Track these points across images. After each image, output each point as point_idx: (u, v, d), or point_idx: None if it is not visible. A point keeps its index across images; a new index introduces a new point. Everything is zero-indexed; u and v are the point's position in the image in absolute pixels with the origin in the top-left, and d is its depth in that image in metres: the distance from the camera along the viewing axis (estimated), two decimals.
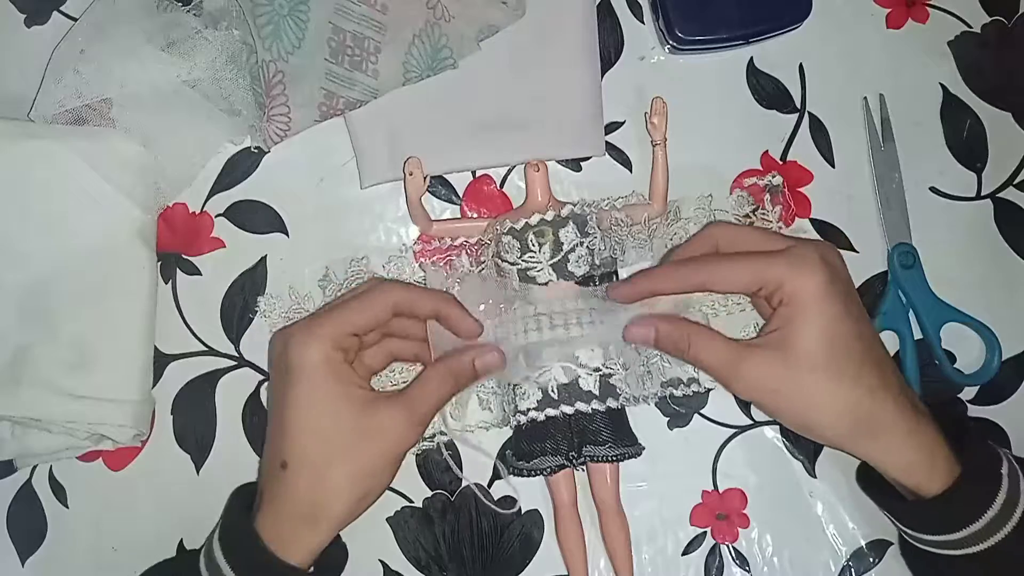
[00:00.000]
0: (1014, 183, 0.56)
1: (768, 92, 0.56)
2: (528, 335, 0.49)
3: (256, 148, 0.55)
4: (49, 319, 0.50)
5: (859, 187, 0.55)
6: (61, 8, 0.56)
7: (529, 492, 0.53)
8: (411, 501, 0.53)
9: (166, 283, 0.54)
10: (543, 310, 0.50)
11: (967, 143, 0.56)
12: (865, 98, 0.56)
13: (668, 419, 0.53)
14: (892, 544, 0.52)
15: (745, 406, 0.53)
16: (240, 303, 0.54)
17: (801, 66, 0.56)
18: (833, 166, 0.56)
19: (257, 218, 0.55)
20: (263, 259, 0.54)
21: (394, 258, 0.53)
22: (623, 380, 0.49)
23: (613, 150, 0.55)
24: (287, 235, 0.55)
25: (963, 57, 0.57)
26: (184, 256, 0.55)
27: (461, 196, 0.55)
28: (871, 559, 0.52)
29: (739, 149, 0.55)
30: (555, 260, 0.49)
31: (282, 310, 0.53)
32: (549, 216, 0.49)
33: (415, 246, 0.54)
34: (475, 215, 0.55)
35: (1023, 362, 0.54)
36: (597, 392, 0.49)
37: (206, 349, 0.54)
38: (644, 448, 0.50)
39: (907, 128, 0.56)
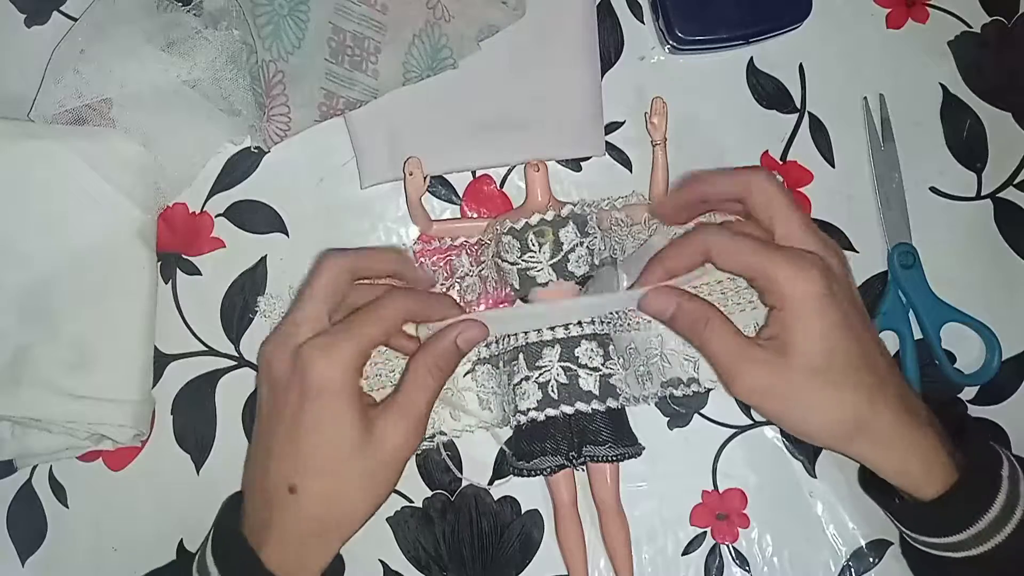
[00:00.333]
0: (1014, 183, 0.56)
1: (768, 92, 0.56)
2: (528, 335, 0.49)
3: (256, 148, 0.55)
4: (49, 319, 0.50)
5: (859, 187, 0.55)
6: (61, 8, 0.56)
7: (529, 492, 0.53)
8: (411, 501, 0.53)
9: (166, 283, 0.54)
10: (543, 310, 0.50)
11: (967, 143, 0.56)
12: (865, 98, 0.56)
13: (668, 419, 0.53)
14: (892, 544, 0.52)
15: (745, 406, 0.53)
16: (240, 303, 0.54)
17: (801, 66, 0.56)
18: (833, 166, 0.56)
19: (257, 218, 0.55)
20: (263, 259, 0.54)
21: None
22: (623, 380, 0.49)
23: (613, 150, 0.55)
24: (287, 235, 0.55)
25: (963, 57, 0.57)
26: (184, 256, 0.55)
27: (461, 196, 0.55)
28: (871, 559, 0.52)
29: (739, 149, 0.55)
30: (555, 260, 0.49)
31: (282, 310, 0.53)
32: (549, 216, 0.49)
33: (415, 246, 0.54)
34: (475, 215, 0.55)
35: (1023, 362, 0.54)
36: (597, 392, 0.49)
37: (206, 349, 0.54)
38: (644, 448, 0.50)
39: (907, 128, 0.56)
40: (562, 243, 0.49)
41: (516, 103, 0.54)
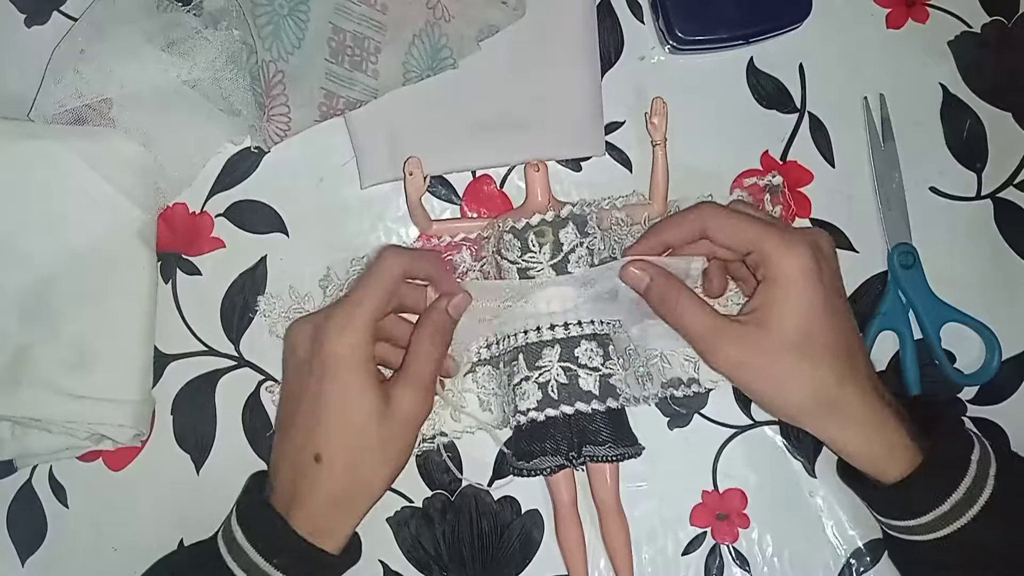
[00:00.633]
0: (1014, 183, 0.56)
1: (768, 92, 0.56)
2: (528, 335, 0.49)
3: (256, 148, 0.55)
4: (49, 319, 0.50)
5: (859, 187, 0.55)
6: (61, 8, 0.56)
7: (529, 492, 0.53)
8: (411, 501, 0.53)
9: (166, 283, 0.54)
10: (543, 310, 0.50)
11: (967, 143, 0.56)
12: (865, 98, 0.56)
13: (668, 419, 0.53)
14: None
15: (745, 406, 0.53)
16: (240, 303, 0.54)
17: (801, 66, 0.56)
18: (833, 166, 0.56)
19: (257, 218, 0.55)
20: (263, 259, 0.54)
21: None
22: (623, 380, 0.49)
23: (613, 150, 0.55)
24: (287, 235, 0.55)
25: (963, 57, 0.57)
26: (184, 256, 0.55)
27: (461, 196, 0.55)
28: (870, 559, 0.52)
29: (739, 149, 0.55)
30: (555, 260, 0.49)
31: (282, 310, 0.53)
32: (549, 216, 0.49)
33: (416, 243, 0.54)
34: (475, 215, 0.55)
35: (1023, 362, 0.54)
36: (597, 392, 0.49)
37: (206, 349, 0.54)
38: (644, 448, 0.50)
39: (907, 128, 0.56)
40: (562, 244, 0.49)
41: (516, 103, 0.54)
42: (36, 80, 0.52)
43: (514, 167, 0.55)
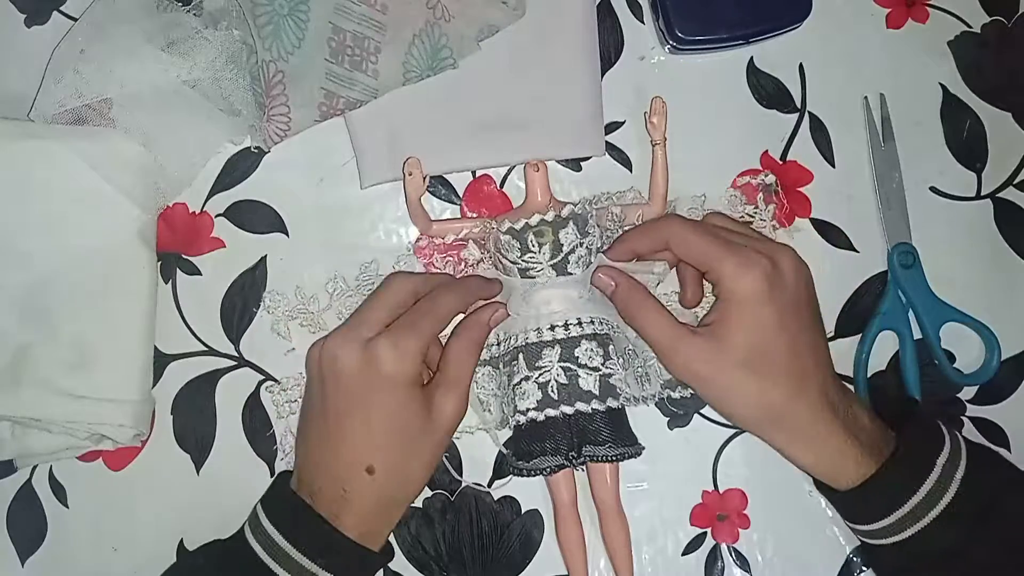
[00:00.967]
0: (1014, 183, 0.56)
1: (768, 92, 0.56)
2: (528, 335, 0.49)
3: (256, 148, 0.55)
4: (49, 319, 0.50)
5: (859, 187, 0.55)
6: (61, 8, 0.56)
7: (529, 492, 0.53)
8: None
9: (166, 283, 0.54)
10: (543, 311, 0.50)
11: (967, 143, 0.56)
12: (865, 98, 0.56)
13: (668, 419, 0.53)
14: None
15: None
16: (240, 303, 0.54)
17: (801, 66, 0.56)
18: (833, 166, 0.56)
19: (257, 218, 0.55)
20: (263, 259, 0.54)
21: (402, 257, 0.54)
22: (623, 380, 0.49)
23: (613, 150, 0.55)
24: (287, 235, 0.55)
25: (963, 57, 0.57)
26: (184, 256, 0.55)
27: (461, 196, 0.55)
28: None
29: (739, 149, 0.55)
30: (555, 260, 0.49)
31: (286, 308, 0.53)
32: (549, 216, 0.49)
33: (420, 242, 0.54)
34: (475, 215, 0.55)
35: (1023, 362, 0.54)
36: (597, 392, 0.49)
37: (206, 349, 0.54)
38: (644, 448, 0.50)
39: (907, 128, 0.56)
40: (562, 244, 0.49)
41: (516, 103, 0.54)
42: (36, 80, 0.52)
43: (514, 167, 0.55)
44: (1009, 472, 0.48)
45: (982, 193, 0.56)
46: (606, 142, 0.55)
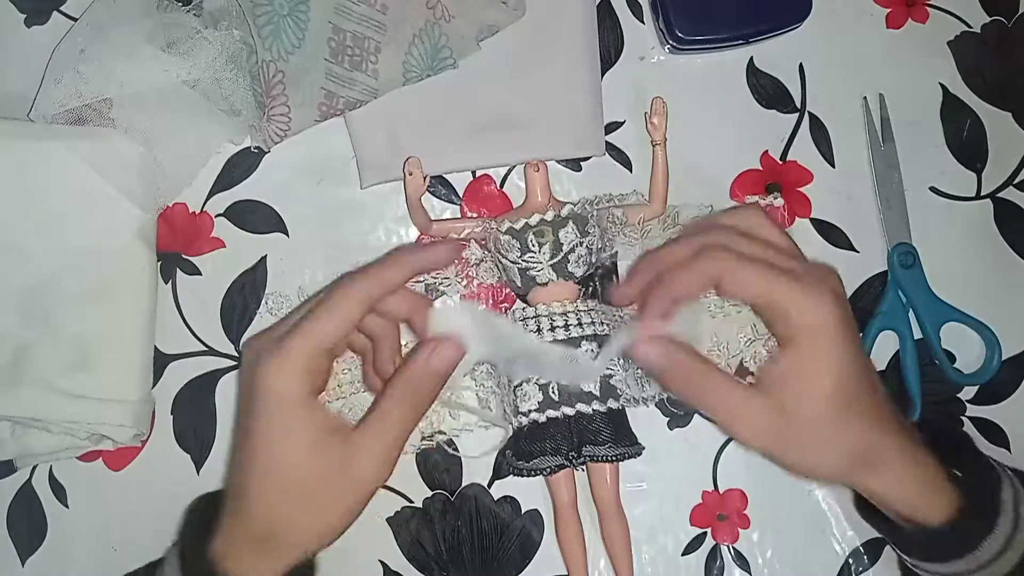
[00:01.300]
0: (1014, 183, 0.56)
1: (768, 92, 0.56)
2: (528, 336, 0.49)
3: (256, 148, 0.55)
4: (49, 319, 0.50)
5: (859, 187, 0.55)
6: (61, 8, 0.56)
7: (529, 492, 0.53)
8: (411, 501, 0.53)
9: (166, 283, 0.54)
10: (543, 311, 0.50)
11: (967, 143, 0.56)
12: (865, 98, 0.56)
13: (668, 419, 0.53)
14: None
15: None
16: (240, 303, 0.54)
17: (801, 66, 0.56)
18: (833, 166, 0.56)
19: (257, 218, 0.55)
20: (263, 259, 0.54)
21: None
22: (623, 381, 0.49)
23: (613, 150, 0.55)
24: (287, 235, 0.55)
25: (963, 57, 0.57)
26: (184, 256, 0.55)
27: (461, 196, 0.55)
28: (869, 559, 0.52)
29: (739, 149, 0.55)
30: (555, 260, 0.49)
31: (288, 308, 0.53)
32: (549, 216, 0.49)
33: (423, 241, 0.54)
34: (475, 215, 0.55)
35: (1023, 362, 0.54)
36: (598, 393, 0.49)
37: (206, 349, 0.54)
38: (644, 448, 0.50)
39: (907, 128, 0.56)
40: (562, 244, 0.49)
41: (516, 103, 0.54)
42: (36, 80, 0.52)
43: (514, 167, 0.55)
44: None
45: (982, 193, 0.56)
46: (606, 142, 0.55)
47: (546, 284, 0.50)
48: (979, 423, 0.54)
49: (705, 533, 0.53)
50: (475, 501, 0.53)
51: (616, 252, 0.53)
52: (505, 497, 0.53)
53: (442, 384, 0.42)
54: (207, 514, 0.43)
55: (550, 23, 0.54)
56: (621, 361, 0.50)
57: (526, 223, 0.50)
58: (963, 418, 0.54)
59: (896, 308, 0.54)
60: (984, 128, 0.56)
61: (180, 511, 0.52)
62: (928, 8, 0.57)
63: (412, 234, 0.54)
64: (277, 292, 0.53)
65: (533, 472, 0.49)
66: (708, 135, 0.55)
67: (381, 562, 0.52)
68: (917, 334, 0.54)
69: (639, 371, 0.51)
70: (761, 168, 0.55)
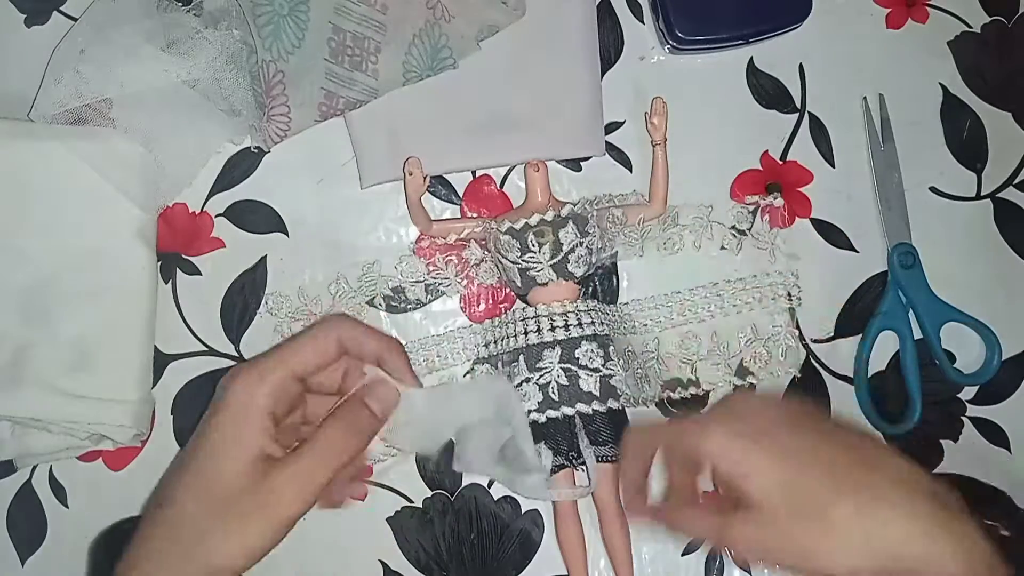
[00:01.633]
0: (1014, 183, 0.56)
1: (768, 92, 0.56)
2: (528, 336, 0.49)
3: (256, 148, 0.55)
4: (49, 319, 0.50)
5: (859, 187, 0.55)
6: (61, 8, 0.56)
7: None
8: (411, 501, 0.53)
9: (166, 283, 0.54)
10: (543, 311, 0.50)
11: (967, 143, 0.56)
12: (865, 98, 0.56)
13: (668, 420, 0.53)
14: None
15: None
16: (240, 303, 0.54)
17: (801, 66, 0.56)
18: (833, 166, 0.56)
19: (257, 218, 0.55)
20: (263, 259, 0.54)
21: (404, 257, 0.53)
22: (623, 381, 0.49)
23: (613, 150, 0.55)
24: (287, 235, 0.55)
25: (963, 57, 0.57)
26: (184, 256, 0.55)
27: (461, 196, 0.55)
28: None
29: (739, 149, 0.55)
30: (555, 260, 0.49)
31: (289, 310, 0.53)
32: (549, 216, 0.49)
33: (422, 242, 0.54)
34: (475, 215, 0.55)
35: (1023, 362, 0.54)
36: (598, 393, 0.49)
37: (206, 349, 0.54)
38: None
39: (907, 128, 0.56)
40: (562, 243, 0.49)
41: (516, 103, 0.54)
42: (36, 80, 0.52)
43: (514, 167, 0.55)
44: None
45: (982, 193, 0.56)
46: (606, 142, 0.55)
47: (546, 284, 0.50)
48: (979, 423, 0.54)
49: None
50: (475, 501, 0.53)
51: (616, 252, 0.53)
52: (505, 497, 0.53)
53: (378, 426, 0.42)
54: (114, 541, 0.42)
55: (550, 23, 0.54)
56: (621, 362, 0.50)
57: (526, 223, 0.50)
58: (963, 418, 0.54)
59: (896, 308, 0.54)
60: (984, 128, 0.56)
61: None
62: (928, 8, 0.57)
63: (412, 234, 0.54)
64: (277, 292, 0.54)
65: None
66: (708, 135, 0.55)
67: (381, 562, 0.52)
68: (917, 334, 0.54)
69: (639, 371, 0.51)
70: (761, 168, 0.55)
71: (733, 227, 0.54)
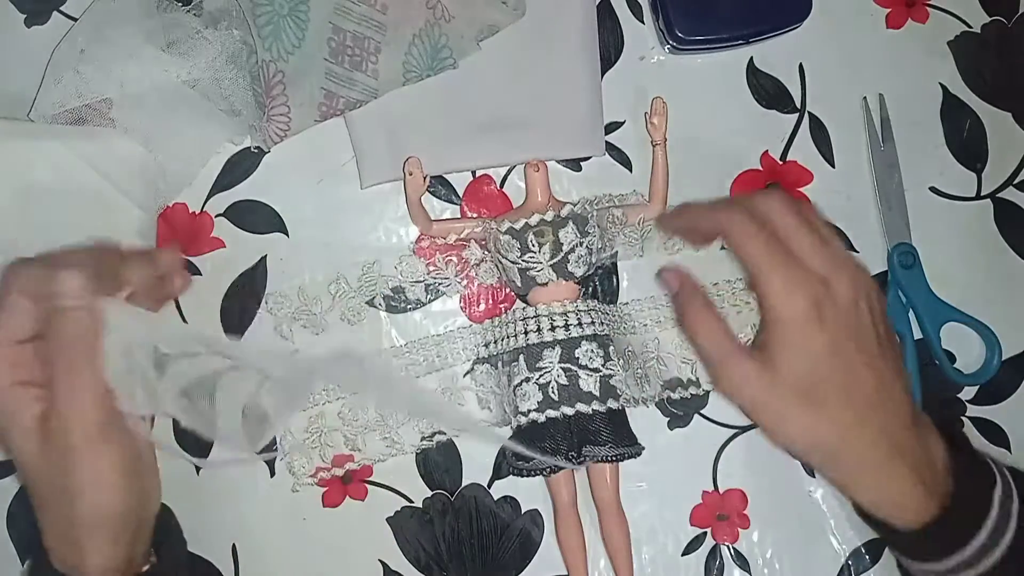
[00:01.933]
0: (1014, 183, 0.56)
1: (768, 92, 0.56)
2: (528, 336, 0.49)
3: (256, 148, 0.55)
4: None
5: (859, 187, 0.55)
6: (61, 8, 0.56)
7: (529, 492, 0.53)
8: (411, 501, 0.53)
9: None
10: (543, 311, 0.50)
11: (967, 143, 0.56)
12: (865, 98, 0.56)
13: (668, 419, 0.53)
14: None
15: None
16: (240, 303, 0.54)
17: (801, 66, 0.56)
18: (833, 166, 0.56)
19: (257, 218, 0.55)
20: (263, 259, 0.54)
21: (404, 257, 0.53)
22: (623, 381, 0.49)
23: (613, 150, 0.55)
24: (287, 235, 0.55)
25: (963, 57, 0.57)
26: (184, 256, 0.55)
27: (461, 196, 0.55)
28: (870, 558, 0.52)
29: (739, 149, 0.55)
30: (555, 261, 0.49)
31: (289, 310, 0.53)
32: (549, 216, 0.50)
33: (422, 242, 0.54)
34: (475, 215, 0.55)
35: (1023, 362, 0.54)
36: (597, 393, 0.49)
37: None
38: (644, 448, 0.50)
39: (907, 128, 0.56)
40: (562, 244, 0.49)
41: (516, 103, 0.54)
42: (36, 80, 0.52)
43: (514, 167, 0.55)
44: None
45: (982, 193, 0.56)
46: (606, 142, 0.55)
47: (546, 284, 0.50)
48: (979, 423, 0.54)
49: (705, 533, 0.53)
50: (475, 501, 0.53)
51: (616, 252, 0.53)
52: (505, 497, 0.53)
53: (91, 344, 0.40)
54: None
55: (550, 23, 0.54)
56: (621, 362, 0.50)
57: (526, 223, 0.50)
58: (963, 418, 0.54)
59: (896, 308, 0.54)
60: (984, 128, 0.56)
61: (180, 511, 0.52)
62: (928, 8, 0.57)
63: (412, 234, 0.54)
64: (277, 292, 0.54)
65: (533, 472, 0.49)
66: (708, 135, 0.55)
67: (381, 562, 0.52)
68: (917, 334, 0.54)
69: (639, 371, 0.51)
70: (761, 168, 0.55)
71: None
